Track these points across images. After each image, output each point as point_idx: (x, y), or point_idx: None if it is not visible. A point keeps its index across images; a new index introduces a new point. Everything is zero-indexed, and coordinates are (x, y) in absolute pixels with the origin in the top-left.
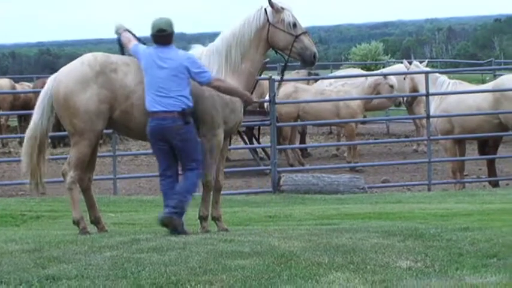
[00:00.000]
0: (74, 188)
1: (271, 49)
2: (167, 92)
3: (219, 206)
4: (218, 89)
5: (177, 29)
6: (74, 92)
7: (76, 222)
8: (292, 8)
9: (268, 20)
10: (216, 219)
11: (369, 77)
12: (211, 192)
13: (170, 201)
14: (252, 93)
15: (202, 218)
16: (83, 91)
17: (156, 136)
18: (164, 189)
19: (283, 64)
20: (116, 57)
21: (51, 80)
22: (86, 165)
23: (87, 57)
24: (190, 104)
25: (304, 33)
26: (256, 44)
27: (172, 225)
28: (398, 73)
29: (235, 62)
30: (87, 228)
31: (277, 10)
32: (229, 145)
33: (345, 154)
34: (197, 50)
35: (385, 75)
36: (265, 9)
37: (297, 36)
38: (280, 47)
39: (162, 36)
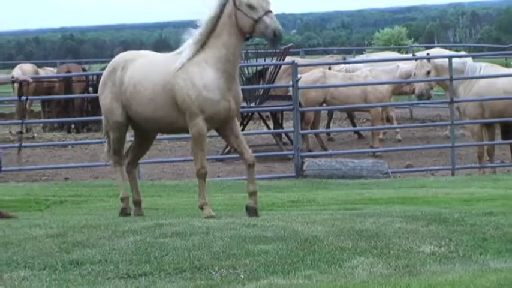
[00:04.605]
0: (116, 170)
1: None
2: None
3: (254, 180)
4: None
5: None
6: (100, 91)
7: (121, 200)
8: None
9: (234, 3)
10: (252, 194)
11: (401, 65)
12: (204, 180)
13: None
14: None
15: (200, 208)
16: (104, 90)
17: None
18: None
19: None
20: (132, 54)
21: None
22: (131, 154)
23: (115, 57)
24: None
25: (266, 13)
26: (228, 28)
27: None
28: (421, 57)
29: (203, 44)
30: (128, 210)
31: None
32: (251, 129)
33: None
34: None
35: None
36: None
37: (258, 19)
38: (246, 31)
39: None
